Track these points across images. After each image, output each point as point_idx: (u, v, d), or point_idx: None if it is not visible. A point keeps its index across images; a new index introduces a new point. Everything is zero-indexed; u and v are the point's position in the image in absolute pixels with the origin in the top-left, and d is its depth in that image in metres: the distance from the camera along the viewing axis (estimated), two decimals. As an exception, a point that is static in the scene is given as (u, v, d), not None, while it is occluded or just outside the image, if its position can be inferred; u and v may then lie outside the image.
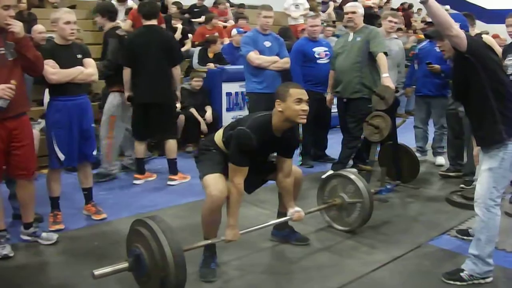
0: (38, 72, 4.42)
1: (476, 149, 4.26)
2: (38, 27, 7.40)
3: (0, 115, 3.99)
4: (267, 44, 6.48)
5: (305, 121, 3.75)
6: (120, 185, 6.29)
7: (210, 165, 3.89)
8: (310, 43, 7.01)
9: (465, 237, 4.63)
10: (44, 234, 4.41)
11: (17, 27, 3.97)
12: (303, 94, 3.74)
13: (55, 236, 4.41)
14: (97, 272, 3.22)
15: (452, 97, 6.18)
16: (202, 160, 4.01)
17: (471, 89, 3.66)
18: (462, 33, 3.47)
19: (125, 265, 3.36)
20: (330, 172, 6.14)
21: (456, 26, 3.45)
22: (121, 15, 10.37)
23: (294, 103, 3.67)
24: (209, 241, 3.81)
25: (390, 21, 6.96)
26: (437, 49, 6.65)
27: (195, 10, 12.41)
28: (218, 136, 4.00)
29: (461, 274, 3.77)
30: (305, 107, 3.71)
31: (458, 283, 3.75)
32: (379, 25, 7.28)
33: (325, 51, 6.95)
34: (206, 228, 3.85)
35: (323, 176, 6.16)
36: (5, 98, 3.92)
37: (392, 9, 15.42)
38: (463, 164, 6.54)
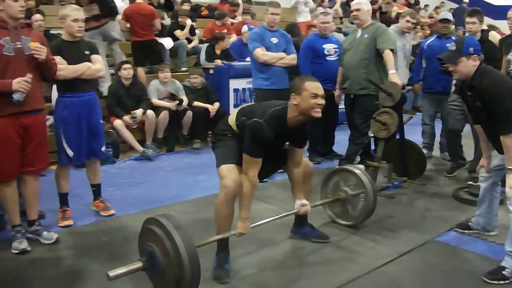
0: (50, 78, 4.47)
1: (484, 161, 4.30)
2: (36, 16, 7.74)
3: (16, 109, 4.03)
4: (274, 40, 6.49)
5: (320, 115, 3.72)
6: (128, 181, 6.33)
7: (225, 153, 3.91)
8: (320, 39, 7.00)
9: (465, 231, 4.65)
10: (45, 233, 4.42)
11: (43, 54, 4.10)
12: (318, 88, 3.71)
13: (55, 236, 4.42)
14: (111, 273, 3.21)
15: (456, 92, 6.18)
16: (218, 147, 4.03)
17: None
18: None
19: (139, 264, 3.35)
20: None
21: None
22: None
23: (310, 97, 3.65)
24: (220, 236, 3.80)
25: (408, 21, 6.93)
26: (449, 46, 6.65)
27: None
28: (232, 118, 4.00)
29: (503, 272, 3.75)
30: (321, 101, 3.68)
31: (502, 282, 3.72)
32: (387, 21, 7.27)
33: (334, 48, 6.93)
34: (219, 221, 3.85)
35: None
36: (21, 91, 3.96)
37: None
38: (464, 158, 6.52)
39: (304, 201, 4.18)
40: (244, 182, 3.73)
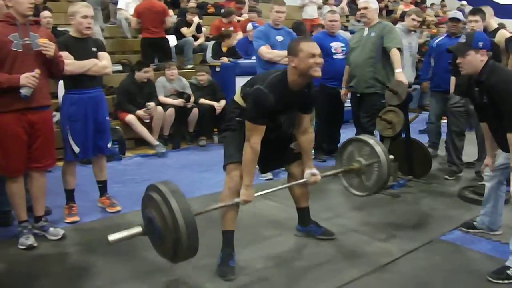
0: (58, 75, 4.50)
1: (489, 160, 4.31)
2: (45, 13, 7.84)
3: (23, 104, 4.06)
4: (279, 38, 6.49)
5: (319, 74, 3.67)
6: (134, 178, 6.35)
7: (233, 149, 3.87)
8: (328, 37, 7.02)
9: (470, 230, 4.65)
10: (51, 229, 4.44)
11: (51, 51, 4.13)
12: (315, 48, 3.66)
13: (61, 232, 4.45)
14: (111, 237, 3.22)
15: (456, 93, 6.16)
16: (226, 139, 4.02)
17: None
18: None
19: (139, 229, 3.33)
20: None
21: None
22: (132, 6, 10.42)
23: (307, 57, 3.61)
24: (223, 204, 3.77)
25: (414, 19, 6.94)
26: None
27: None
28: (237, 94, 3.97)
29: (508, 271, 3.74)
30: (319, 60, 3.64)
31: (506, 281, 3.71)
32: (394, 20, 7.25)
33: (341, 47, 6.95)
34: (224, 215, 3.88)
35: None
36: (29, 87, 3.98)
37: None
38: (461, 164, 6.48)
39: (314, 171, 4.12)
40: (245, 149, 3.70)
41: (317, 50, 3.66)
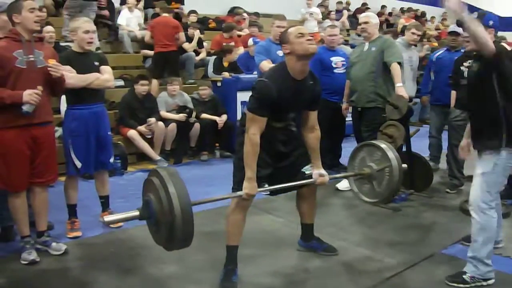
0: (60, 92, 4.54)
1: (464, 141, 4.30)
2: (48, 28, 7.98)
3: (26, 120, 4.09)
4: (280, 53, 6.48)
5: (314, 47, 3.74)
6: (136, 193, 6.33)
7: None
8: (328, 52, 7.05)
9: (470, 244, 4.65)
10: (53, 244, 4.45)
11: (59, 72, 4.20)
12: (301, 29, 3.83)
13: (63, 247, 4.45)
14: (107, 218, 3.23)
15: (456, 106, 6.18)
16: (237, 166, 3.93)
17: (483, 93, 3.76)
18: (492, 44, 3.56)
19: (136, 213, 3.29)
20: (344, 182, 6.17)
21: (490, 42, 3.55)
22: (134, 22, 10.49)
23: (297, 38, 3.70)
24: (220, 196, 3.79)
25: (413, 33, 6.97)
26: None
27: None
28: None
29: (464, 276, 3.84)
30: (308, 37, 3.75)
31: (461, 285, 3.81)
32: (394, 34, 7.25)
33: (342, 61, 6.97)
34: (230, 228, 3.91)
35: (337, 185, 6.20)
36: (31, 103, 4.01)
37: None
38: (462, 177, 6.48)
39: (322, 171, 4.11)
40: (245, 142, 3.68)
41: (305, 30, 3.81)
